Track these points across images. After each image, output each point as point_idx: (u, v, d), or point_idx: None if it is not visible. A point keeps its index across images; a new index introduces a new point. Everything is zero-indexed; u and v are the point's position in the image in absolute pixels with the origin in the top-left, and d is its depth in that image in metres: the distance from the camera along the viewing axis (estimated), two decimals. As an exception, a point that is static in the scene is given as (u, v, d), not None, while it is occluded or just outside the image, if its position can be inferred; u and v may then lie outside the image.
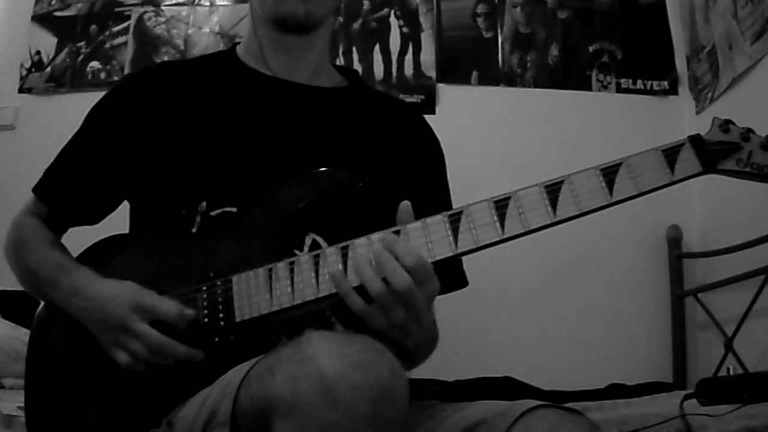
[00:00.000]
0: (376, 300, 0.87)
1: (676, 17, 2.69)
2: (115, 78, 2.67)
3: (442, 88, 2.68)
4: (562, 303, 2.47)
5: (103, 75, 2.73)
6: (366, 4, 2.76)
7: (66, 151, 1.18)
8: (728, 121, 0.94)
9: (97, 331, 0.99)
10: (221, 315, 0.96)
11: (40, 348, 1.06)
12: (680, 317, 2.42)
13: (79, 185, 1.16)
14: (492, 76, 2.69)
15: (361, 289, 0.89)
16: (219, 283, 0.98)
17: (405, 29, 2.74)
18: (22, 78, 2.74)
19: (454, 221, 0.91)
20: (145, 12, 2.79)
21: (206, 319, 0.97)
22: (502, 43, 2.71)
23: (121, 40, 2.76)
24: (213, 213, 1.06)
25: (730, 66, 2.27)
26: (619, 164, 0.92)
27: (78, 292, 1.01)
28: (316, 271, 0.92)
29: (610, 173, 0.91)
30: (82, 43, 2.77)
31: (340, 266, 0.91)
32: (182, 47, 2.75)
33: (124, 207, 1.20)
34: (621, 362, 2.38)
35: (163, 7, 2.80)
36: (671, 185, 0.91)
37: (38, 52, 2.76)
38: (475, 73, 2.69)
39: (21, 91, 2.73)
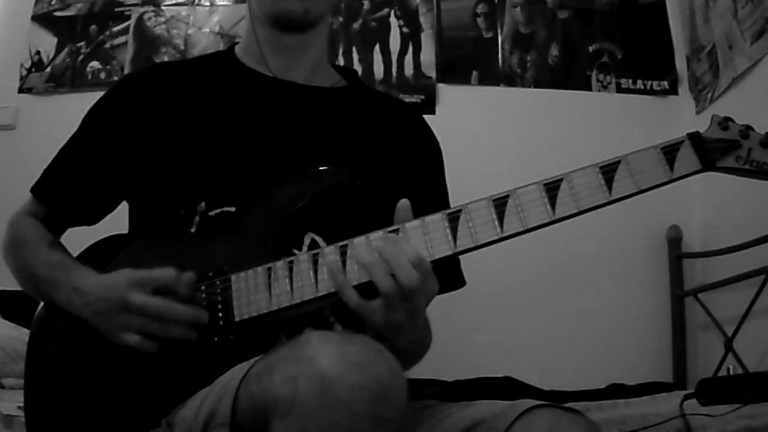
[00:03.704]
0: (384, 298, 0.87)
1: (676, 17, 2.69)
2: (115, 78, 2.67)
3: (442, 88, 2.68)
4: (562, 303, 2.46)
5: (103, 75, 2.73)
6: (366, 4, 2.76)
7: (64, 151, 1.18)
8: (727, 119, 0.94)
9: (101, 323, 0.98)
10: (220, 314, 0.96)
11: (39, 348, 1.06)
12: (680, 317, 2.42)
13: (77, 185, 1.16)
14: (492, 76, 2.69)
15: (359, 287, 0.88)
16: (218, 282, 0.98)
17: (405, 29, 2.74)
18: (22, 78, 2.75)
19: (453, 219, 0.91)
20: (145, 12, 2.79)
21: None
22: (502, 43, 2.71)
23: (121, 40, 2.77)
24: (212, 213, 1.06)
25: (730, 66, 2.27)
26: (618, 162, 0.91)
27: (79, 290, 1.01)
28: (315, 271, 0.92)
29: (609, 171, 0.91)
30: (82, 43, 2.77)
31: (339, 263, 0.91)
32: (182, 47, 2.75)
33: (124, 207, 1.20)
34: (621, 362, 2.37)
35: (163, 7, 2.80)
36: (670, 183, 0.91)
37: (38, 52, 2.76)
38: (475, 73, 2.69)
39: (21, 91, 2.74)
